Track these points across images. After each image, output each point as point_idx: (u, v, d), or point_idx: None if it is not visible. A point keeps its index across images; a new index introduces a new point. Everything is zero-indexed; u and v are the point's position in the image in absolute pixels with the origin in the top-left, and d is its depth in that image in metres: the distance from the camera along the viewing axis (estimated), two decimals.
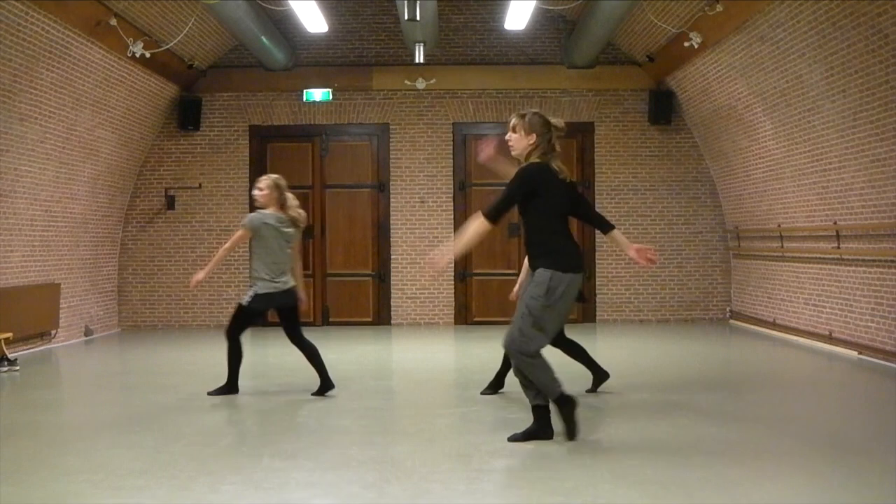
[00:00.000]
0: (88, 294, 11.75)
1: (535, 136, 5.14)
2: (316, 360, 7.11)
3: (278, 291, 6.95)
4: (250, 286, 7.07)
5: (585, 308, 12.87)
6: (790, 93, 9.59)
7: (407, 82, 12.90)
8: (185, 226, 13.00)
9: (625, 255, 5.66)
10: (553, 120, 5.23)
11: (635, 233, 13.00)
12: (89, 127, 10.78)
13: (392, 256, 13.01)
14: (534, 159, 5.18)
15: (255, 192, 7.09)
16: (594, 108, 13.02)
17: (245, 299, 7.03)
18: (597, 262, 12.97)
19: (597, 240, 12.94)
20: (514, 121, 5.23)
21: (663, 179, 13.04)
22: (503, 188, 5.29)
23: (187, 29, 10.96)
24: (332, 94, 12.93)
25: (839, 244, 9.49)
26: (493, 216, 5.18)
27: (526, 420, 6.14)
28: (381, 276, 13.02)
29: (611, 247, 13.00)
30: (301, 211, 7.15)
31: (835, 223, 9.51)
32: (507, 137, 5.24)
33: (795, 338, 10.49)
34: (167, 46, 11.00)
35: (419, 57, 11.51)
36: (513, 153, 5.26)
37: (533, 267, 5.21)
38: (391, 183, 13.02)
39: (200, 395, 7.15)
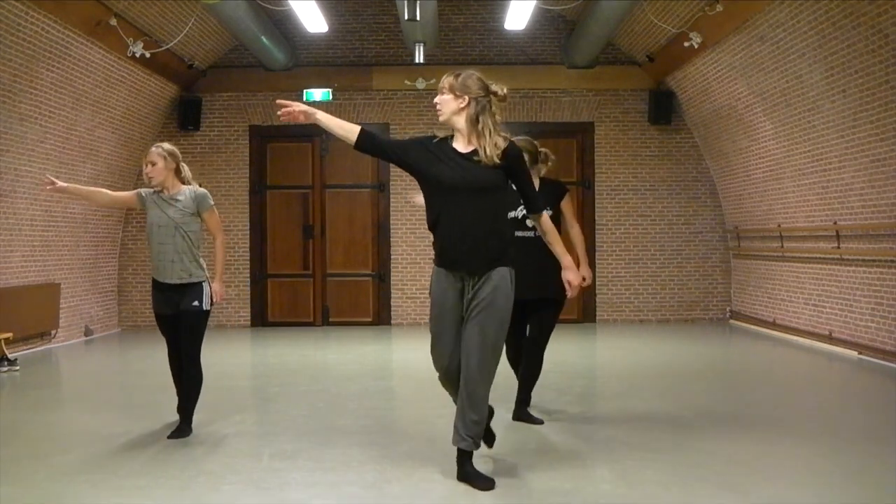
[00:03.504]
0: (88, 294, 11.75)
1: (466, 98, 4.42)
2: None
3: None
4: (202, 280, 5.84)
5: (586, 308, 12.86)
6: (790, 93, 9.59)
7: (407, 82, 12.90)
8: None
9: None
10: (494, 86, 4.49)
11: (635, 233, 13.02)
12: (89, 127, 10.78)
13: (392, 256, 13.01)
14: (460, 123, 4.42)
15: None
16: (594, 108, 13.02)
17: (206, 301, 5.79)
18: (597, 262, 12.96)
19: (597, 240, 12.94)
20: (444, 81, 4.48)
21: (663, 179, 13.04)
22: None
23: (187, 29, 10.96)
24: (332, 94, 12.93)
25: (839, 244, 9.49)
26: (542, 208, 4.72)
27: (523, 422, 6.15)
28: (381, 276, 13.02)
29: (611, 247, 13.00)
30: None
31: (835, 223, 9.50)
32: (435, 101, 4.49)
33: (795, 338, 10.49)
34: (167, 46, 11.00)
35: (419, 57, 11.50)
36: (440, 118, 4.47)
37: (487, 266, 4.37)
38: (391, 183, 13.01)
39: (200, 394, 7.13)
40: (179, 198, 5.76)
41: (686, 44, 10.66)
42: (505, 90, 4.49)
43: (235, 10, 10.19)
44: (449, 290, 4.45)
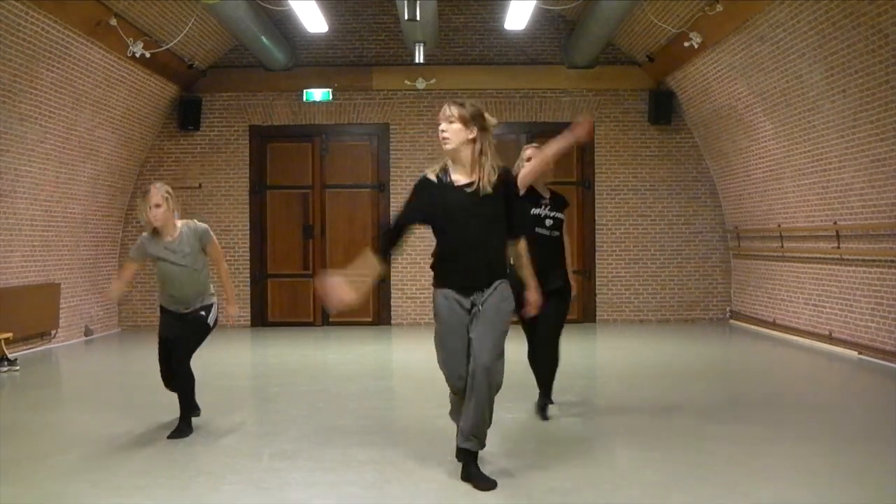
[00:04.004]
0: (88, 294, 11.74)
1: (475, 129, 4.49)
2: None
3: None
4: (210, 302, 5.96)
5: (586, 308, 12.86)
6: (790, 93, 9.59)
7: (407, 82, 12.90)
8: None
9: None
10: (488, 115, 4.56)
11: (635, 233, 13.02)
12: (89, 127, 10.78)
13: (392, 256, 12.98)
14: (465, 154, 4.50)
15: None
16: (594, 108, 13.02)
17: (212, 318, 5.98)
18: (597, 262, 12.96)
19: (597, 240, 12.95)
20: (454, 110, 4.49)
21: (663, 179, 13.04)
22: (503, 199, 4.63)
23: (187, 29, 10.96)
24: (332, 94, 12.93)
25: (839, 244, 9.49)
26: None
27: (525, 419, 6.15)
28: (381, 277, 13.00)
29: (611, 247, 13.00)
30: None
31: (835, 223, 9.51)
32: (442, 129, 4.50)
33: (795, 338, 10.49)
34: (167, 46, 11.00)
35: (419, 57, 11.50)
36: (446, 146, 4.51)
37: (492, 280, 4.54)
38: (391, 183, 13.01)
39: (200, 394, 7.12)
40: (182, 242, 5.78)
41: (686, 44, 10.66)
42: (496, 120, 4.63)
43: (235, 10, 10.19)
44: (457, 309, 4.53)
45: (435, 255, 4.64)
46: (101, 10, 9.55)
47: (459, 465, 4.66)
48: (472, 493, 4.37)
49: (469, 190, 4.47)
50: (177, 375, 5.82)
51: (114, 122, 11.34)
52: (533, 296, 4.83)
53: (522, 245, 4.78)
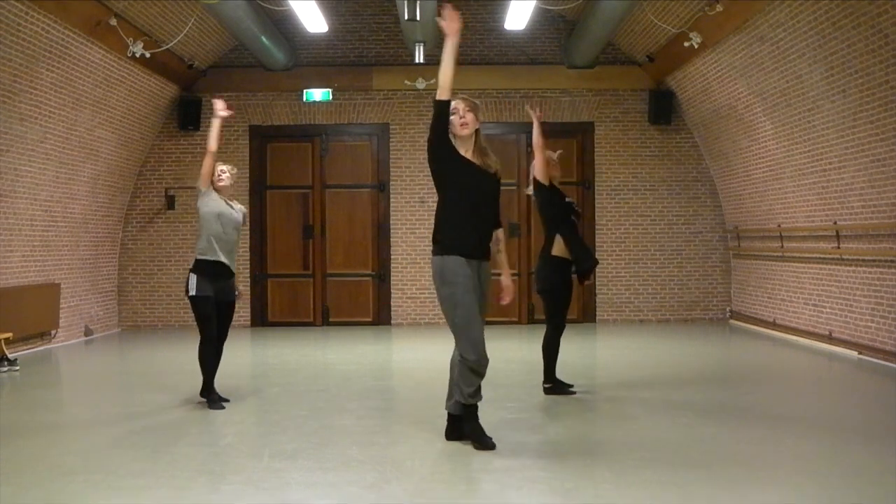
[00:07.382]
0: (88, 294, 11.75)
1: (478, 122, 5.38)
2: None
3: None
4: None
5: (586, 308, 12.86)
6: (790, 93, 9.59)
7: (407, 82, 12.90)
8: (185, 226, 12.99)
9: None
10: None
11: (635, 233, 13.02)
12: (89, 127, 10.78)
13: (392, 256, 13.01)
14: (470, 140, 5.34)
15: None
16: (594, 108, 13.02)
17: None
18: None
19: (597, 240, 12.95)
20: (471, 103, 5.33)
21: (663, 179, 13.04)
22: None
23: (187, 29, 10.96)
24: (332, 94, 12.93)
25: (839, 244, 9.49)
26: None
27: (525, 419, 6.16)
28: (381, 276, 13.02)
29: (611, 247, 13.00)
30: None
31: (835, 223, 9.51)
32: (465, 114, 5.26)
33: (795, 338, 10.49)
34: (167, 46, 11.00)
35: (419, 57, 11.51)
36: (465, 131, 5.29)
37: (486, 253, 5.35)
38: (391, 183, 13.02)
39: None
40: (235, 209, 6.93)
41: (686, 44, 10.66)
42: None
43: (235, 10, 10.19)
44: (469, 273, 5.11)
45: (442, 221, 5.23)
46: (101, 10, 9.55)
47: (458, 466, 4.67)
48: (473, 493, 4.38)
49: (477, 165, 5.26)
50: (219, 352, 6.66)
51: (114, 122, 11.35)
52: (507, 282, 5.43)
53: (502, 232, 5.49)
